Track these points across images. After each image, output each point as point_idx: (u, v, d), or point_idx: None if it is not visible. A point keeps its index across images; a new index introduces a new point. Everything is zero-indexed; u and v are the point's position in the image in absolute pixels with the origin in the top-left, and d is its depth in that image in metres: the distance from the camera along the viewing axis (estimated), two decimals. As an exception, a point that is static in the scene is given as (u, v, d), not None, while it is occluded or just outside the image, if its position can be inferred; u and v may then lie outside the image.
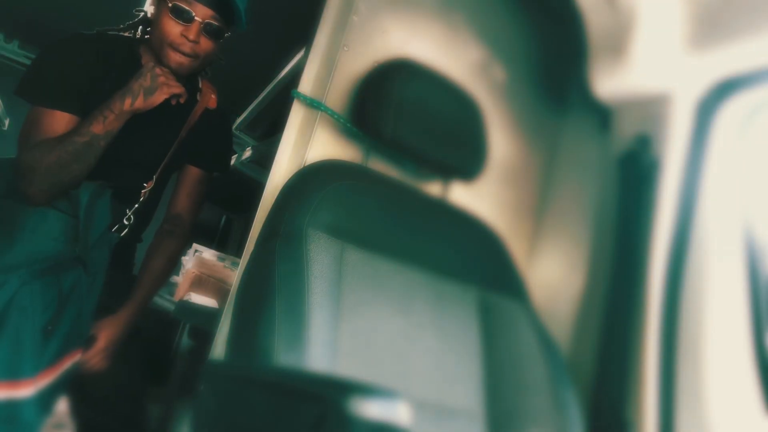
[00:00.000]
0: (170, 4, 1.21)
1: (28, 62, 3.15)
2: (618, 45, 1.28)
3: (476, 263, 1.21)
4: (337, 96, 1.25)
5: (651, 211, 1.24)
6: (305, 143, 1.21)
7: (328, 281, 0.97)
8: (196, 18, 1.22)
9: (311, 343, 0.89)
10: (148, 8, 1.33)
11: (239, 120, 3.21)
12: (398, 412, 0.61)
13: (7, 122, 3.26)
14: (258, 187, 1.20)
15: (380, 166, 1.30)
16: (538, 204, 1.60)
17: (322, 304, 0.93)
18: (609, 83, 1.33)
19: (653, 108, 1.29)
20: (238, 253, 1.35)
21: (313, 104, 1.21)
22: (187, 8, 1.21)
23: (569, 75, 1.54)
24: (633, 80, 1.29)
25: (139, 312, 1.39)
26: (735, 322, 1.19)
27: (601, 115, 1.42)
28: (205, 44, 1.26)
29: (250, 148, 3.27)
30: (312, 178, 1.09)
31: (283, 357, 0.85)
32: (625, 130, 1.35)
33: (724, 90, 1.22)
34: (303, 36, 1.35)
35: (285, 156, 1.19)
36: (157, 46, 1.26)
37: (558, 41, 1.56)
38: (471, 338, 1.14)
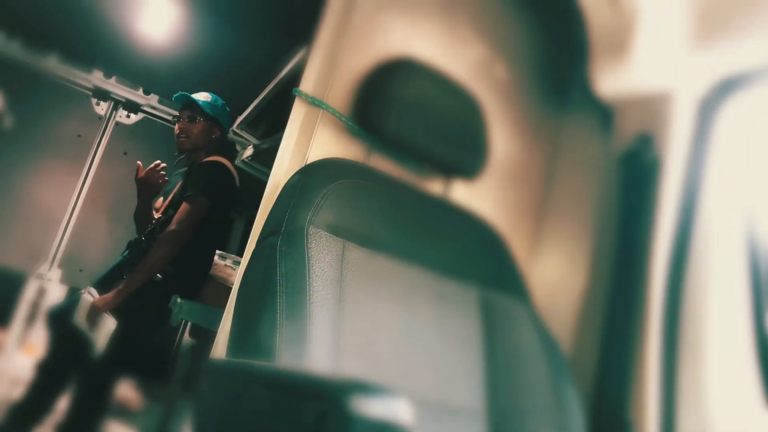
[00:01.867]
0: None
1: (29, 62, 3.16)
2: (620, 43, 1.27)
3: (478, 262, 1.21)
4: (338, 94, 1.25)
5: (653, 210, 1.24)
6: (307, 142, 1.21)
7: (330, 280, 0.97)
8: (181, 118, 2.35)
9: (313, 341, 0.89)
10: None
11: (241, 118, 3.21)
12: (399, 410, 0.61)
13: (9, 120, 3.26)
14: (259, 186, 1.20)
15: (382, 164, 1.30)
16: (540, 202, 1.59)
17: (323, 303, 0.93)
18: (611, 82, 1.33)
19: (655, 106, 1.29)
20: (240, 252, 1.35)
21: (315, 103, 1.20)
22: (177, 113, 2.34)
23: (571, 73, 1.54)
24: (635, 79, 1.29)
25: (129, 286, 2.03)
26: (737, 321, 1.19)
27: (603, 113, 1.42)
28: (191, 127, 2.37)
29: (251, 146, 3.27)
30: (314, 177, 1.09)
31: (284, 355, 0.85)
32: (627, 129, 1.35)
33: (726, 88, 1.22)
34: (305, 34, 1.35)
35: (287, 154, 1.19)
36: None
37: (560, 40, 1.56)
38: (472, 337, 1.14)
